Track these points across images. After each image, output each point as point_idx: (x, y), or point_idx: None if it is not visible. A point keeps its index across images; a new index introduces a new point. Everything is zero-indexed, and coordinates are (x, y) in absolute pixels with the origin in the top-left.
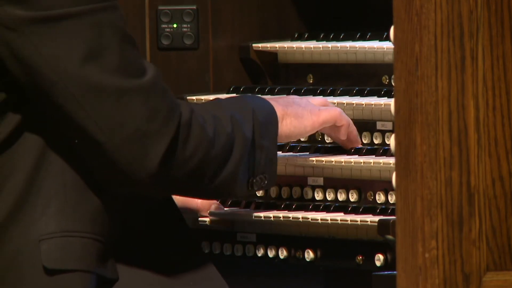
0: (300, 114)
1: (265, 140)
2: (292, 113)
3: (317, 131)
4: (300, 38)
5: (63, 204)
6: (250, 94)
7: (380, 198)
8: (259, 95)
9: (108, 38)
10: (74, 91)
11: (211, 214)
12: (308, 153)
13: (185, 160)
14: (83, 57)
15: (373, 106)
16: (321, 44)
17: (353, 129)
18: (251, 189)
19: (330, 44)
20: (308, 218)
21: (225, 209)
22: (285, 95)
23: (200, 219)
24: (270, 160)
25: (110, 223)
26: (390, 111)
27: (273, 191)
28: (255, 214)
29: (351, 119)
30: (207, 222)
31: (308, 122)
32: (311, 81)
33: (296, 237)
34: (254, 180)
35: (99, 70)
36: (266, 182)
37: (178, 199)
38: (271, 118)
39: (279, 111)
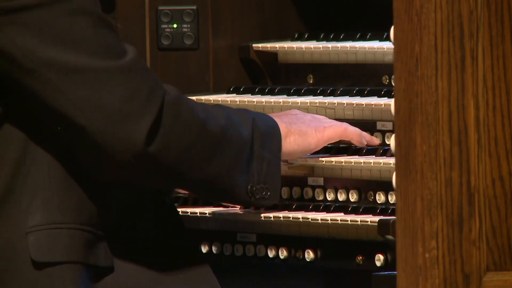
0: (304, 131)
1: (267, 152)
2: (296, 130)
3: None
4: (300, 38)
5: (49, 196)
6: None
7: (380, 198)
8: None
9: (82, 23)
10: (52, 77)
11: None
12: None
13: (173, 140)
14: (58, 44)
15: (373, 106)
16: (321, 44)
17: (364, 135)
18: (253, 198)
19: (330, 44)
20: (308, 218)
21: (225, 208)
22: (289, 111)
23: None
24: (272, 174)
25: (97, 212)
26: (390, 111)
27: None
28: (255, 214)
29: (351, 119)
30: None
31: (312, 139)
32: (311, 81)
33: (296, 237)
34: (254, 188)
35: (75, 54)
36: (269, 194)
37: None
38: (274, 132)
39: (282, 128)
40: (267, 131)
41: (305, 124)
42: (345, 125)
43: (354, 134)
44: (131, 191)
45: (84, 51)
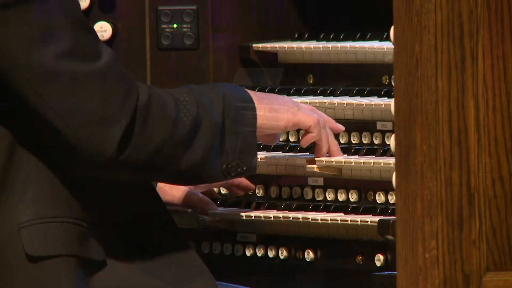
0: (276, 108)
1: (240, 125)
2: (267, 106)
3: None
4: (300, 38)
5: (39, 190)
6: (225, 83)
7: (380, 198)
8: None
9: (60, 23)
10: (28, 77)
11: (211, 214)
12: (308, 153)
13: (145, 141)
14: (35, 44)
15: (373, 106)
16: (321, 44)
17: (333, 143)
18: (228, 176)
19: (330, 44)
20: (308, 218)
21: (225, 209)
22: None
23: (200, 215)
24: (247, 146)
25: (88, 206)
26: (390, 111)
27: (273, 191)
28: (255, 214)
29: (351, 119)
30: (207, 222)
31: (282, 116)
32: (311, 81)
33: (296, 237)
34: (230, 166)
35: (52, 56)
36: (244, 168)
37: (178, 199)
38: (246, 104)
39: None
40: (238, 105)
41: (279, 104)
42: (319, 119)
43: (318, 133)
44: (118, 184)
45: (60, 52)
